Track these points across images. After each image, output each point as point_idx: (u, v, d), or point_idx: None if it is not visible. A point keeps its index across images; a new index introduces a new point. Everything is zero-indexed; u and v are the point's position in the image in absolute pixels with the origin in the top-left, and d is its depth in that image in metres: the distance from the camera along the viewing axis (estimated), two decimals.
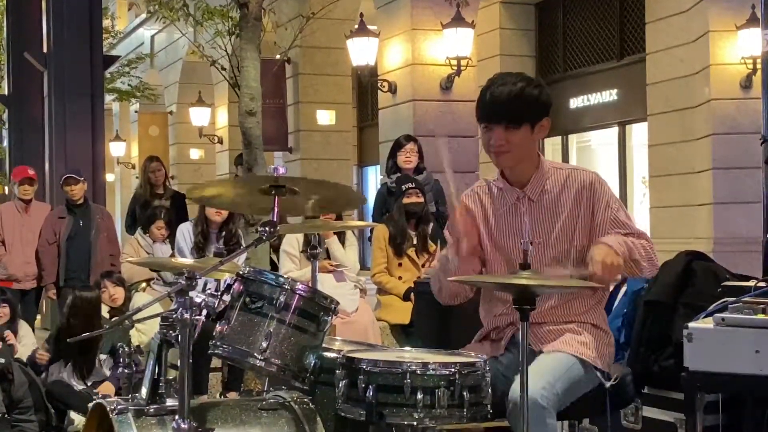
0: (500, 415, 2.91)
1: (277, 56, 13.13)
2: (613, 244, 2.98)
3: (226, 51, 9.10)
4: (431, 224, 6.67)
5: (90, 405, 3.07)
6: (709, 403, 3.56)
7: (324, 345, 3.06)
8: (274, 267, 7.37)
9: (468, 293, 3.25)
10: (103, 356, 5.63)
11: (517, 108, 3.05)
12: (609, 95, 13.20)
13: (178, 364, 2.75)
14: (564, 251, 3.12)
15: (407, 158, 7.17)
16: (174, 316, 2.77)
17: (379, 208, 7.19)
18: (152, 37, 20.88)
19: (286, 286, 2.93)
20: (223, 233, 6.51)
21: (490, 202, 3.25)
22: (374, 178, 17.91)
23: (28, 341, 6.04)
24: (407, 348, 3.19)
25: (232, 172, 13.61)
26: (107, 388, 5.42)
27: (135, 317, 3.13)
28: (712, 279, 4.09)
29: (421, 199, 6.59)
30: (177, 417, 2.74)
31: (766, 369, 3.10)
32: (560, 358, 3.01)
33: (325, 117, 14.20)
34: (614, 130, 13.22)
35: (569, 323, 3.14)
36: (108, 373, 5.62)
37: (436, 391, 2.67)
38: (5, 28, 14.14)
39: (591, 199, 3.13)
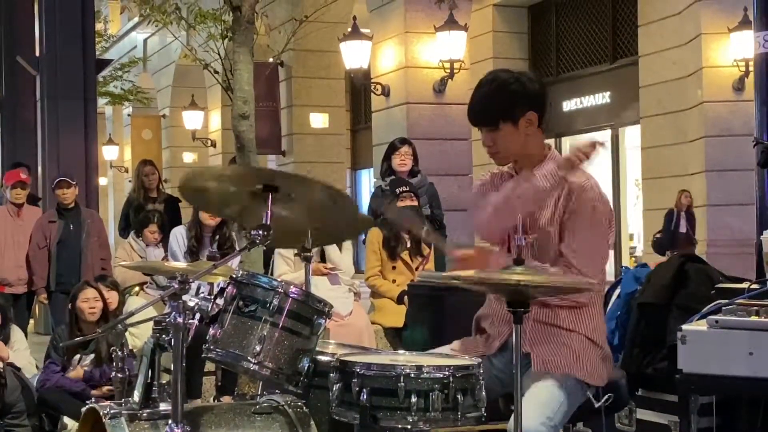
0: (494, 418, 2.91)
1: (270, 59, 13.12)
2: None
3: (219, 54, 9.08)
4: (425, 227, 6.66)
5: (83, 409, 3.06)
6: (703, 405, 3.56)
7: (318, 348, 3.05)
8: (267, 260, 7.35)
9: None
10: (90, 356, 5.63)
11: (490, 111, 3.10)
12: (602, 98, 13.23)
13: (172, 368, 2.74)
14: (543, 248, 3.09)
15: (402, 161, 7.17)
16: (167, 320, 2.76)
17: (374, 210, 7.20)
18: (145, 40, 20.88)
19: (280, 290, 2.92)
20: (217, 237, 6.51)
21: (500, 187, 3.25)
22: (368, 181, 17.93)
23: (20, 346, 6.02)
24: (401, 351, 3.19)
25: None
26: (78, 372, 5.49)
27: (128, 321, 3.11)
28: (706, 281, 4.10)
29: (415, 203, 6.59)
30: (170, 421, 2.73)
31: (760, 371, 3.10)
32: (554, 386, 2.97)
33: (319, 120, 14.21)
34: (607, 133, 13.25)
35: (558, 327, 3.12)
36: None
37: (430, 394, 2.66)
38: None
39: (571, 197, 3.07)
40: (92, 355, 5.60)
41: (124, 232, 8.57)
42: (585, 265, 3.01)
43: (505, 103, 3.08)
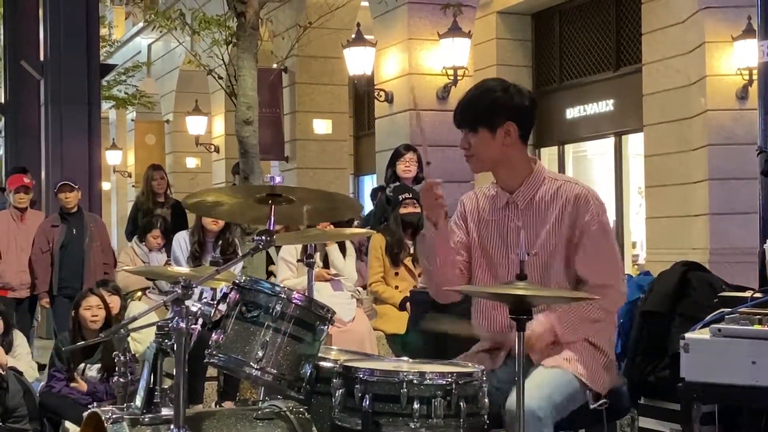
0: (496, 427, 2.91)
1: (274, 65, 13.14)
2: (539, 329, 3.03)
3: (223, 60, 9.10)
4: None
5: (85, 414, 3.06)
6: (706, 413, 3.55)
7: (320, 354, 3.05)
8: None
9: (460, 280, 3.25)
10: (96, 366, 5.62)
11: (471, 112, 3.15)
12: (605, 105, 13.22)
13: (174, 373, 2.74)
14: (546, 262, 3.11)
15: (406, 167, 7.19)
16: (170, 325, 2.76)
17: (378, 216, 7.21)
18: (149, 46, 20.89)
19: (283, 296, 2.93)
20: (220, 242, 6.51)
21: (484, 205, 3.27)
22: (371, 187, 17.91)
23: (22, 350, 6.02)
24: (404, 358, 3.19)
25: (228, 181, 13.61)
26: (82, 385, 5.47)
27: (130, 326, 3.11)
28: (709, 289, 4.10)
29: (418, 210, 6.59)
30: (172, 426, 2.73)
31: (762, 380, 3.10)
32: (558, 373, 3.01)
33: (322, 126, 14.20)
34: (610, 141, 13.24)
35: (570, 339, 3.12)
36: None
37: (433, 400, 2.66)
38: (2, 37, 14.14)
39: (575, 211, 3.08)
40: (98, 365, 5.59)
41: (131, 235, 8.57)
42: (609, 278, 3.09)
43: (485, 109, 3.12)
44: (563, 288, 3.09)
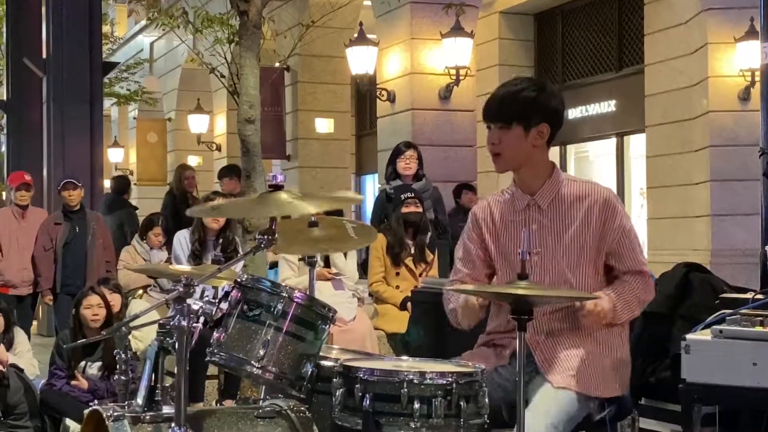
0: (497, 426, 2.91)
1: (276, 64, 13.14)
2: (607, 306, 3.05)
3: (225, 58, 9.09)
4: (429, 234, 6.68)
5: (86, 411, 3.06)
6: (707, 415, 3.55)
7: (321, 353, 3.05)
8: None
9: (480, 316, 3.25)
10: (97, 363, 5.62)
11: (507, 107, 3.10)
12: (607, 106, 13.22)
13: (175, 372, 2.75)
14: (573, 262, 3.10)
15: (407, 165, 7.19)
16: (171, 323, 2.76)
17: (378, 214, 7.21)
18: (151, 43, 20.90)
19: (284, 294, 2.93)
20: (221, 241, 6.51)
21: (500, 210, 3.24)
22: (372, 187, 17.93)
23: (23, 348, 6.03)
24: (404, 357, 3.19)
25: None
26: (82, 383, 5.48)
27: (132, 324, 3.11)
28: (710, 291, 4.10)
29: (420, 209, 6.60)
30: (173, 424, 2.73)
31: (764, 381, 3.10)
32: (564, 397, 2.97)
33: (324, 125, 14.21)
34: (612, 141, 13.24)
35: (579, 338, 3.10)
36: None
37: (433, 400, 2.66)
38: (5, 34, 14.15)
39: (604, 213, 3.09)
40: (99, 363, 5.59)
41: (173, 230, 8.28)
42: (644, 265, 3.19)
43: (523, 106, 3.09)
44: (587, 288, 3.09)
